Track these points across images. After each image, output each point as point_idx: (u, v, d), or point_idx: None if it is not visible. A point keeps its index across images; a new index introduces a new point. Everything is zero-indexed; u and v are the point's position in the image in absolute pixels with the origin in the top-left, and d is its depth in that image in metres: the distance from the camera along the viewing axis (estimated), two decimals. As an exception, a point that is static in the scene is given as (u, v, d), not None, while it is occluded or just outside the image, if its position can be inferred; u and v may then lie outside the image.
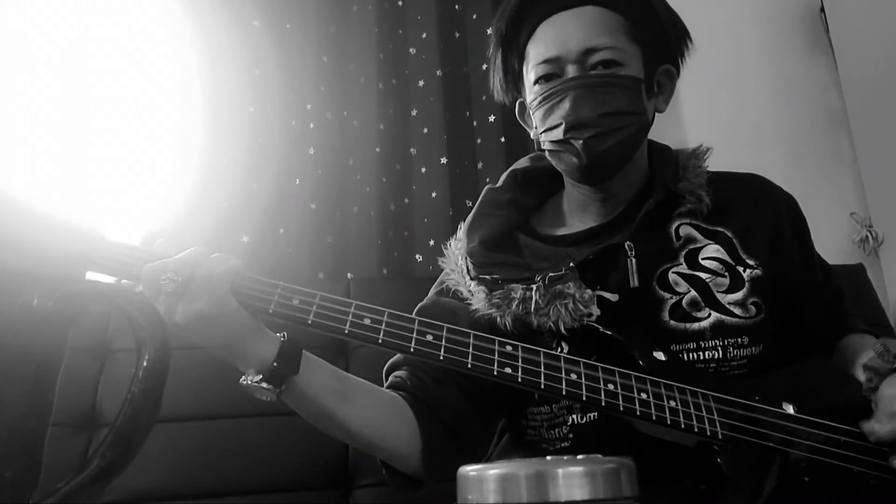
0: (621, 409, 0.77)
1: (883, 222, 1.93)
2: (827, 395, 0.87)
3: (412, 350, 0.77)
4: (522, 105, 1.02)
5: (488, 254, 0.95)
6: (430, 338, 0.78)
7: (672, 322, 0.89)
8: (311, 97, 1.77)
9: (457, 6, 1.94)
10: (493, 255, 0.94)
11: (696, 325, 0.89)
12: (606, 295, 0.91)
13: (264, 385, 0.77)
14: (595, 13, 0.93)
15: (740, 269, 0.93)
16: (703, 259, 0.93)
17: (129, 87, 1.67)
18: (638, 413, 0.77)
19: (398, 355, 0.94)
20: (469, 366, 0.77)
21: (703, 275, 0.92)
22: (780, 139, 2.02)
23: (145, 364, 0.42)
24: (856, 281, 1.64)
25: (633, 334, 0.87)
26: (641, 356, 0.84)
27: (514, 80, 1.01)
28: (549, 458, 0.41)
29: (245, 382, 0.78)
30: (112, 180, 1.59)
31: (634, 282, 0.90)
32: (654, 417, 0.77)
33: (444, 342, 0.77)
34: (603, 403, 0.77)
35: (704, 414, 0.79)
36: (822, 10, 2.05)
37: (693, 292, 0.90)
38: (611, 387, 0.78)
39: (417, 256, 1.77)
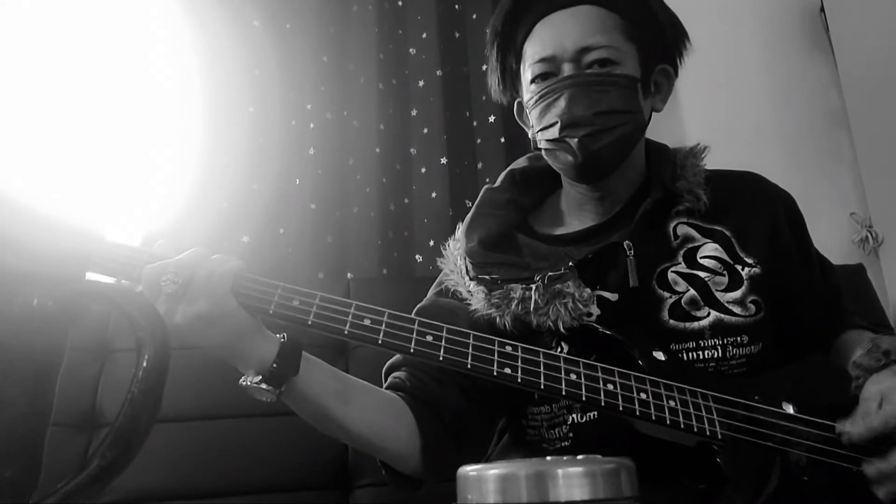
0: (621, 409, 0.77)
1: (883, 222, 1.93)
2: (826, 394, 0.86)
3: (412, 351, 0.77)
4: (520, 105, 1.02)
5: (487, 254, 0.95)
6: (429, 338, 0.78)
7: (672, 321, 0.89)
8: (311, 97, 1.77)
9: (457, 6, 1.94)
10: (492, 255, 0.94)
11: (695, 325, 0.89)
12: (606, 294, 0.91)
13: (264, 386, 0.77)
14: (592, 12, 0.93)
15: (739, 267, 0.93)
16: (701, 258, 0.93)
17: (130, 86, 1.67)
18: (637, 413, 0.77)
19: (397, 356, 0.94)
20: (469, 366, 0.77)
21: (701, 274, 0.92)
22: (780, 139, 2.02)
23: (145, 364, 0.42)
24: (856, 281, 1.64)
25: (633, 334, 0.87)
26: (641, 356, 0.84)
27: (511, 79, 1.01)
28: (548, 458, 0.41)
29: (245, 383, 0.78)
30: (112, 180, 1.59)
31: (634, 281, 0.90)
32: (653, 417, 0.77)
33: (443, 343, 0.77)
34: (602, 404, 0.77)
35: (704, 414, 0.79)
36: (822, 10, 2.05)
37: (692, 291, 0.90)
38: (610, 387, 0.78)
39: (417, 256, 1.77)
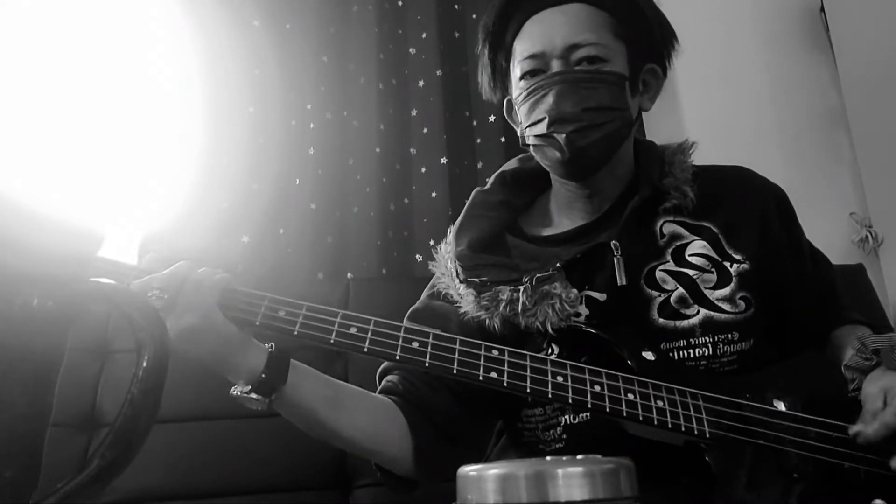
0: (608, 410, 0.78)
1: (883, 222, 1.93)
2: (819, 391, 0.87)
3: (397, 357, 0.79)
4: (510, 102, 1.02)
5: (476, 256, 0.95)
6: (415, 345, 0.79)
7: (661, 320, 0.89)
8: (311, 97, 1.77)
9: (457, 6, 1.94)
10: (480, 258, 0.95)
11: (685, 323, 0.89)
12: (594, 294, 0.91)
13: (254, 395, 0.78)
14: (581, 10, 0.93)
15: (727, 264, 0.93)
16: (689, 255, 0.93)
17: (130, 86, 1.67)
18: (624, 414, 0.78)
19: None
20: (454, 371, 0.78)
21: (689, 271, 0.92)
22: (780, 139, 2.01)
23: (145, 364, 0.42)
24: (856, 281, 1.64)
25: (622, 334, 0.87)
26: (630, 356, 0.84)
27: (501, 77, 1.02)
28: (548, 458, 0.41)
29: (235, 393, 0.79)
30: (112, 180, 1.59)
31: (622, 280, 0.90)
32: (640, 418, 0.78)
33: (429, 349, 0.79)
34: (589, 406, 0.78)
35: (692, 413, 0.80)
36: (822, 9, 2.05)
37: (680, 289, 0.90)
38: (597, 388, 0.79)
39: (417, 256, 1.77)
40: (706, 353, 0.88)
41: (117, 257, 0.82)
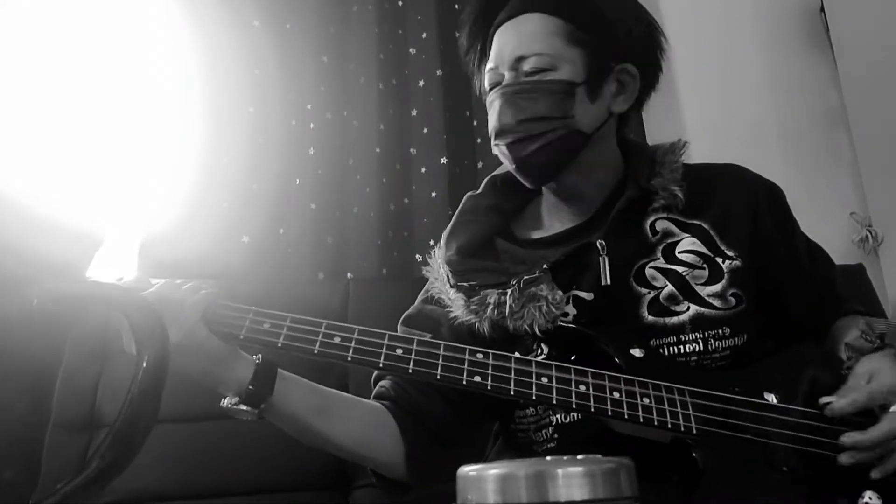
0: (592, 409, 0.78)
1: (883, 222, 1.93)
2: (812, 382, 0.86)
3: (381, 365, 0.79)
4: None
5: (465, 261, 0.96)
6: (399, 351, 0.80)
7: (650, 317, 0.90)
8: (311, 97, 1.77)
9: (457, 6, 1.94)
10: (469, 262, 0.95)
11: (674, 319, 0.89)
12: (582, 294, 0.92)
13: (243, 407, 0.80)
14: (532, 20, 0.94)
15: (719, 260, 0.93)
16: (679, 252, 0.93)
17: (130, 87, 1.67)
18: (610, 413, 0.78)
19: None
20: (438, 377, 0.79)
21: (679, 268, 0.92)
22: (780, 139, 2.01)
23: (144, 365, 0.42)
24: (856, 281, 1.64)
25: (610, 332, 0.87)
26: (617, 354, 0.85)
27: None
28: (548, 458, 0.41)
29: (225, 405, 0.81)
30: (112, 180, 1.59)
31: (606, 280, 0.90)
32: (625, 416, 0.78)
33: (413, 355, 0.79)
34: (574, 406, 0.79)
35: (679, 410, 0.80)
36: (822, 9, 2.05)
37: (670, 286, 0.91)
38: (582, 388, 0.79)
39: (417, 256, 1.77)
40: (697, 349, 0.88)
41: (101, 275, 0.82)
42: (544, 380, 0.79)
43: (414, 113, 1.86)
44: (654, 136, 1.75)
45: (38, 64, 1.52)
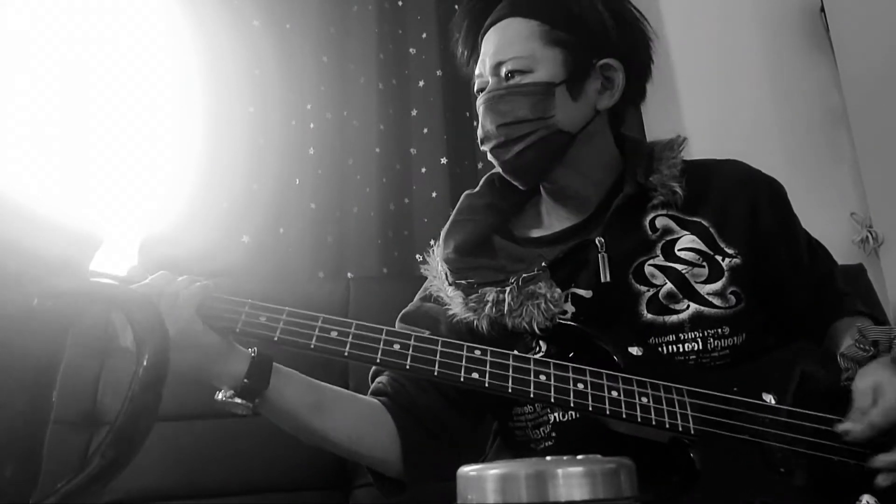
0: (590, 408, 0.78)
1: (883, 222, 1.92)
2: (811, 382, 0.86)
3: (378, 361, 0.79)
4: None
5: (463, 259, 0.96)
6: (397, 347, 0.79)
7: (649, 315, 0.89)
8: (311, 97, 1.77)
9: (457, 6, 1.94)
10: (467, 261, 0.95)
11: (673, 318, 0.89)
12: (580, 292, 0.92)
13: (238, 400, 0.79)
14: (510, 25, 0.96)
15: (719, 258, 0.92)
16: (678, 250, 0.93)
17: (129, 87, 1.67)
18: (608, 412, 0.78)
19: None
20: (435, 373, 0.78)
21: (679, 266, 0.91)
22: (780, 139, 2.01)
23: (145, 362, 0.42)
24: (856, 281, 1.64)
25: (608, 330, 0.87)
26: (615, 352, 0.84)
27: None
28: (548, 458, 0.41)
29: (219, 398, 0.80)
30: (112, 180, 1.59)
31: (605, 277, 0.90)
32: (623, 415, 0.78)
33: (410, 351, 0.79)
34: (572, 404, 0.78)
35: (677, 409, 0.79)
36: (822, 9, 2.05)
37: (669, 284, 0.90)
38: (580, 386, 0.79)
39: (417, 256, 1.77)
40: (696, 348, 0.88)
41: (98, 268, 0.82)
42: (542, 377, 0.79)
43: (414, 113, 1.86)
44: (654, 136, 1.75)
45: (39, 64, 1.52)
